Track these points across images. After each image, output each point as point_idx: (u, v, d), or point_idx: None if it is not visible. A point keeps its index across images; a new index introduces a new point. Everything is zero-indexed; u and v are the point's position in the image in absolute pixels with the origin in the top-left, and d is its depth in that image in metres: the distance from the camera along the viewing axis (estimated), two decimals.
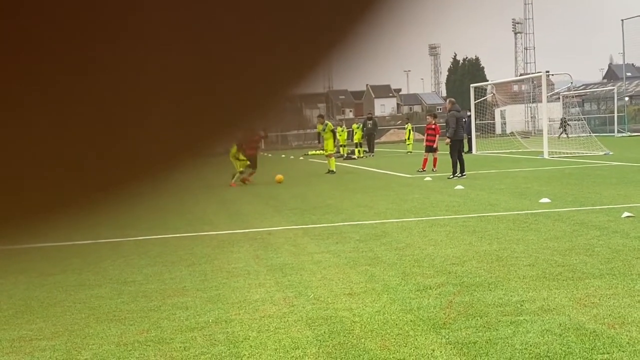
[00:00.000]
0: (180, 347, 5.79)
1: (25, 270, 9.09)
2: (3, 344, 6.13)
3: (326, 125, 26.55)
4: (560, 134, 46.22)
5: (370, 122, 44.46)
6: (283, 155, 50.51)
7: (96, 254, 10.43)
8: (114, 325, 6.52)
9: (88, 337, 6.21)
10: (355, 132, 42.93)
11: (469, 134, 40.56)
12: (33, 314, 7.10)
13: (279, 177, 23.22)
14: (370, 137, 44.12)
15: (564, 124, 52.74)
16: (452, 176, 21.97)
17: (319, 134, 28.49)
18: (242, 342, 5.82)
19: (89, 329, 6.46)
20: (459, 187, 18.27)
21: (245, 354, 5.51)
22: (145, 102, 0.49)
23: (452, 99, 24.63)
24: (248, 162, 22.95)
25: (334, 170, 26.68)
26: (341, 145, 40.44)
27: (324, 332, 5.95)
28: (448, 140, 22.72)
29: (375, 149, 45.23)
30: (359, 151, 41.74)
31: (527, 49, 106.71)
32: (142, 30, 0.46)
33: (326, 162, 27.40)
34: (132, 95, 0.49)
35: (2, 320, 6.92)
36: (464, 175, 22.01)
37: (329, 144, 26.64)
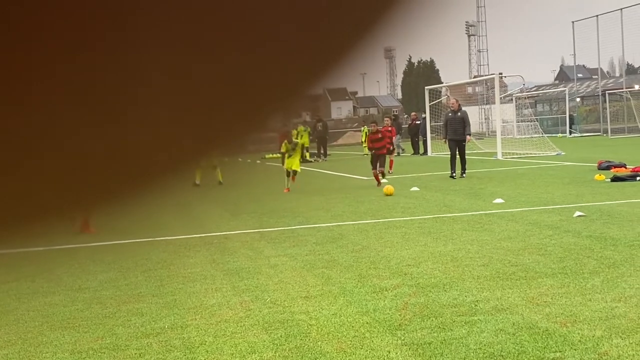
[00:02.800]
0: (135, 353, 5.75)
1: None
2: None
3: None
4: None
5: (320, 124, 42.75)
6: (240, 159, 50.21)
7: (50, 261, 10.30)
8: (68, 333, 6.46)
9: (42, 345, 6.14)
10: (302, 135, 40.49)
11: (424, 136, 40.84)
12: None
13: (389, 188, 17.65)
14: (322, 140, 42.67)
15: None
16: (464, 174, 21.46)
17: None
18: (198, 347, 5.80)
19: (43, 337, 6.39)
20: (415, 188, 18.40)
21: None
22: (139, 104, 0.49)
23: (457, 98, 24.38)
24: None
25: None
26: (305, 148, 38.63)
27: (281, 336, 5.96)
28: (469, 137, 22.18)
29: (328, 152, 44.26)
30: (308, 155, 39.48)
31: (480, 52, 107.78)
32: (157, 28, 0.46)
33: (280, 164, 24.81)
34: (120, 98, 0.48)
35: None
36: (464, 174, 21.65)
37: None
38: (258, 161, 46.10)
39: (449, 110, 23.56)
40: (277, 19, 0.48)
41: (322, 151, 42.62)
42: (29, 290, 8.29)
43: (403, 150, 41.67)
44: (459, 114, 22.23)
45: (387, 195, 17.09)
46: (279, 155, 30.32)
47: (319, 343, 5.70)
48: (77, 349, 5.97)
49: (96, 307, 7.36)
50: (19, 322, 6.93)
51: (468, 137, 22.18)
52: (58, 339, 6.28)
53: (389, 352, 5.38)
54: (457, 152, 21.79)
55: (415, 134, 42.38)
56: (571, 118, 62.68)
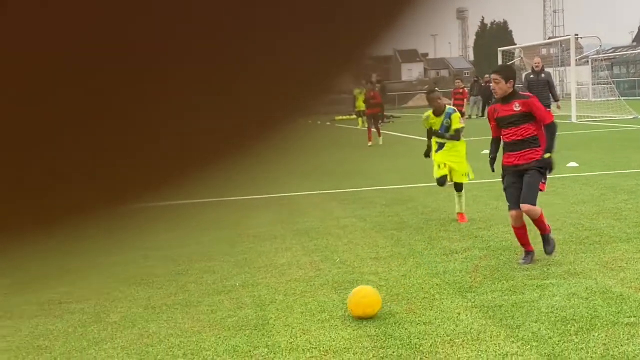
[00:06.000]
0: (207, 310, 5.84)
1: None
2: (32, 307, 6.22)
3: None
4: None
5: (379, 86, 37.33)
6: (310, 121, 50.33)
7: (115, 223, 10.49)
8: (142, 289, 6.60)
9: (116, 300, 6.29)
10: (358, 99, 32.55)
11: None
12: (59, 279, 7.17)
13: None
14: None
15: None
16: None
17: None
18: (268, 305, 5.86)
19: (118, 292, 6.54)
20: (486, 151, 18.12)
21: (272, 317, 5.55)
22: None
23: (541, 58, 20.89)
24: None
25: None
26: (359, 111, 34.68)
27: None
28: (559, 104, 19.94)
29: (394, 116, 43.29)
30: (362, 121, 33.48)
31: (556, 12, 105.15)
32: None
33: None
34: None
35: (23, 285, 7.00)
36: None
37: None
38: (328, 123, 46.08)
39: (529, 72, 20.27)
40: None
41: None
42: (103, 250, 8.46)
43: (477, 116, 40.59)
44: (542, 75, 18.95)
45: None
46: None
47: (389, 304, 5.70)
48: (150, 304, 6.10)
49: (169, 264, 7.49)
50: (93, 279, 7.09)
51: (558, 104, 19.49)
52: (132, 295, 6.43)
53: (459, 314, 5.35)
54: None
55: (489, 97, 41.53)
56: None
